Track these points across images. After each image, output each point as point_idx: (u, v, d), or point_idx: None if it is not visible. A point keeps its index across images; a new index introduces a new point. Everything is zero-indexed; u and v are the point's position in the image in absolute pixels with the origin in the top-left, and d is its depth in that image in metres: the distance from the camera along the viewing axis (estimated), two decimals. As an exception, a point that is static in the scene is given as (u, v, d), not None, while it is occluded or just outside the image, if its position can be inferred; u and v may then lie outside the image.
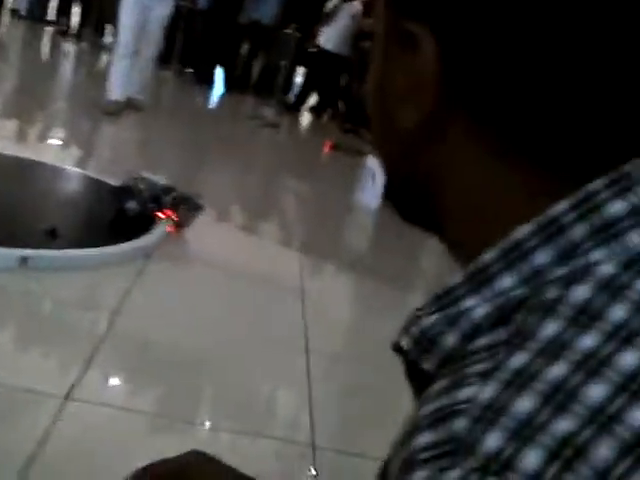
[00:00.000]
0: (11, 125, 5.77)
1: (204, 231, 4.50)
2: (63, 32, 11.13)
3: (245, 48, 10.29)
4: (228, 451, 2.43)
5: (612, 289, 0.39)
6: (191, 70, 10.30)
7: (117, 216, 3.96)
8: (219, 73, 10.18)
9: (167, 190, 4.16)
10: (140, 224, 3.92)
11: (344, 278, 4.57)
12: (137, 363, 2.85)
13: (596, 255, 0.40)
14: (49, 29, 11.27)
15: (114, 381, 2.76)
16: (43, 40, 10.32)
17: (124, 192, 4.02)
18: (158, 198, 4.07)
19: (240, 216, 5.37)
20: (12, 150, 4.80)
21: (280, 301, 3.67)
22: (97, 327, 2.94)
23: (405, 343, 0.45)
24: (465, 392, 0.38)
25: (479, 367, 0.39)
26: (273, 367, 3.03)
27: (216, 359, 2.98)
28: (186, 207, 4.25)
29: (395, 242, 4.57)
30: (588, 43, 0.40)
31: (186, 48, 10.21)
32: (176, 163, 5.87)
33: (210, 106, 9.50)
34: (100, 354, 2.75)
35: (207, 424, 2.62)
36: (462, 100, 0.44)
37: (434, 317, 0.43)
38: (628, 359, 0.37)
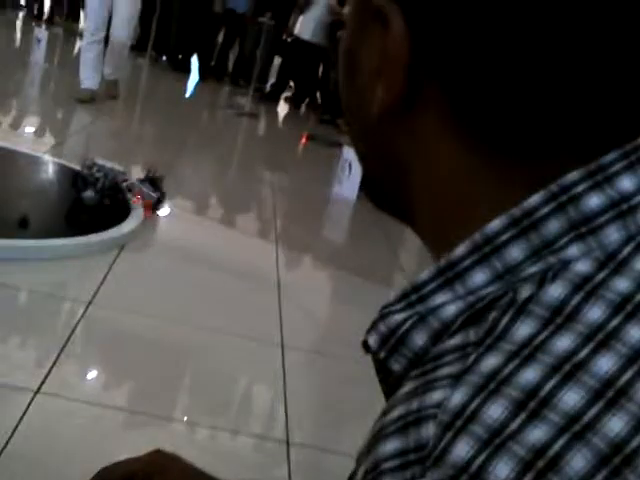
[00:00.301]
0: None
1: (179, 222, 4.45)
2: (35, 17, 10.98)
3: (221, 36, 10.22)
4: (203, 447, 2.40)
5: (588, 288, 0.37)
6: (166, 58, 10.21)
7: (74, 205, 3.89)
8: (195, 61, 10.10)
9: (123, 177, 4.10)
10: (100, 213, 3.85)
11: (321, 271, 4.54)
12: (111, 356, 2.81)
13: (571, 251, 0.38)
14: (21, 14, 11.11)
15: (87, 375, 2.71)
16: (14, 26, 10.17)
17: (80, 180, 3.96)
18: (115, 185, 4.01)
19: (216, 207, 5.32)
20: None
21: (256, 294, 3.64)
22: (70, 319, 2.89)
23: (373, 342, 0.42)
24: (434, 396, 0.36)
25: (449, 370, 0.37)
26: (249, 361, 3.00)
27: (191, 353, 2.94)
28: (149, 193, 4.22)
29: (373, 235, 4.56)
30: (564, 22, 0.38)
31: (161, 36, 10.11)
32: (151, 152, 5.81)
33: (186, 95, 9.42)
34: (73, 347, 2.70)
35: (182, 420, 2.58)
36: (432, 81, 0.42)
37: (402, 315, 0.41)
38: (604, 363, 0.35)
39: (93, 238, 3.59)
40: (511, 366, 0.35)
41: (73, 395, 2.45)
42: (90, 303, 3.03)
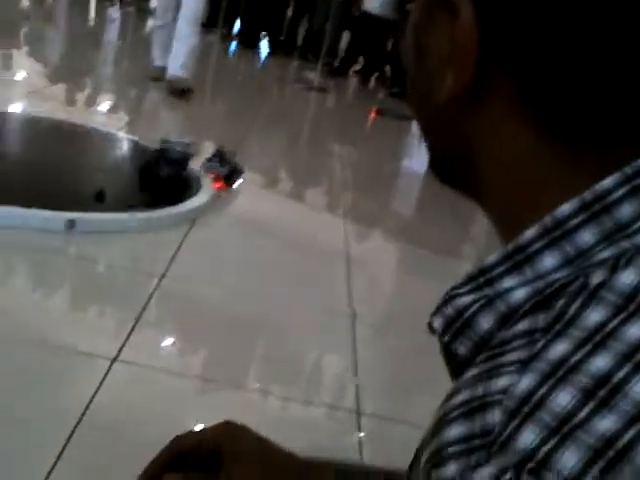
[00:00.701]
0: (59, 90, 5.82)
1: (249, 196, 4.49)
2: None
3: (290, 11, 10.22)
4: (275, 415, 2.44)
5: None
6: (236, 34, 10.26)
7: (148, 180, 3.95)
8: (264, 37, 10.12)
9: (194, 152, 4.15)
10: (173, 187, 3.91)
11: (390, 244, 4.53)
12: (185, 326, 2.87)
13: None
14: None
15: (161, 344, 2.78)
16: (89, 5, 10.36)
17: (153, 156, 4.02)
18: (187, 160, 4.06)
19: (286, 181, 5.35)
20: (60, 114, 4.83)
21: (325, 267, 3.66)
22: (144, 290, 2.96)
23: (438, 324, 0.43)
24: (500, 382, 0.36)
25: (516, 355, 0.37)
26: (319, 332, 3.03)
27: (262, 323, 2.99)
28: (225, 169, 4.27)
29: (442, 207, 4.52)
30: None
31: (231, 12, 10.16)
32: (221, 127, 5.86)
33: (256, 70, 9.46)
34: (148, 317, 2.77)
35: (254, 388, 2.62)
36: (502, 69, 0.42)
37: (470, 297, 0.41)
38: None
39: (166, 212, 3.66)
40: (581, 353, 0.35)
41: (148, 363, 2.52)
42: (164, 275, 3.09)
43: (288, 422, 2.42)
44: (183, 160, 4.04)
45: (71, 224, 3.23)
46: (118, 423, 2.18)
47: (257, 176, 4.92)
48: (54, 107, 5.09)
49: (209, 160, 4.34)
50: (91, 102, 5.95)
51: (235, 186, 4.35)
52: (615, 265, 0.37)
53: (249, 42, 9.96)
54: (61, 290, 3.03)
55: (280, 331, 2.97)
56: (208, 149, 4.56)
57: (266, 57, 9.85)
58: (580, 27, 0.38)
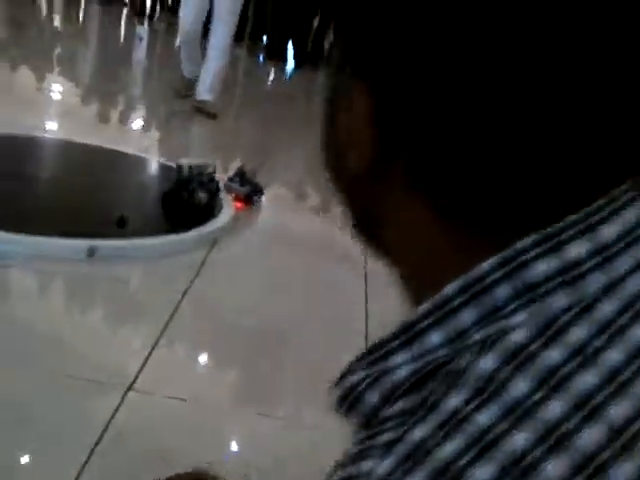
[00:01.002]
0: (84, 111, 5.90)
1: (271, 213, 4.53)
2: (137, 13, 11.25)
3: (316, 22, 10.22)
4: (281, 438, 2.46)
5: (518, 361, 0.37)
6: (263, 45, 10.30)
7: (170, 202, 3.97)
8: (290, 48, 10.15)
9: (215, 173, 4.17)
10: (194, 209, 3.93)
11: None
12: (204, 351, 2.91)
13: (516, 319, 0.38)
14: (124, 10, 11.41)
15: (180, 370, 2.81)
16: (118, 22, 10.49)
17: (175, 178, 4.04)
18: (209, 182, 4.08)
19: (308, 199, 5.37)
20: (82, 137, 4.86)
21: (346, 285, 3.67)
22: (164, 316, 2.99)
23: (335, 396, 0.44)
24: (367, 464, 0.38)
25: (386, 437, 0.38)
26: (333, 351, 3.04)
27: (281, 343, 3.01)
28: (246, 189, 4.31)
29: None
30: (521, 111, 0.40)
31: (258, 24, 10.20)
32: (247, 145, 5.89)
33: (282, 83, 9.50)
34: (168, 342, 2.81)
35: (261, 413, 2.65)
36: (398, 155, 0.44)
37: (363, 373, 0.43)
38: (518, 440, 0.35)
39: (187, 235, 3.71)
40: (436, 438, 0.36)
41: (166, 392, 2.55)
42: (185, 300, 3.13)
43: (300, 444, 2.43)
44: (204, 181, 4.06)
45: (92, 251, 3.29)
46: (130, 455, 2.22)
47: (279, 194, 4.95)
48: (78, 129, 5.15)
49: (230, 180, 4.39)
50: (115, 123, 6.01)
51: (256, 205, 4.40)
52: (482, 348, 0.38)
53: (276, 54, 9.99)
54: (81, 317, 3.10)
55: (297, 350, 2.99)
56: (233, 166, 4.59)
57: (293, 70, 9.88)
58: (464, 134, 0.40)
